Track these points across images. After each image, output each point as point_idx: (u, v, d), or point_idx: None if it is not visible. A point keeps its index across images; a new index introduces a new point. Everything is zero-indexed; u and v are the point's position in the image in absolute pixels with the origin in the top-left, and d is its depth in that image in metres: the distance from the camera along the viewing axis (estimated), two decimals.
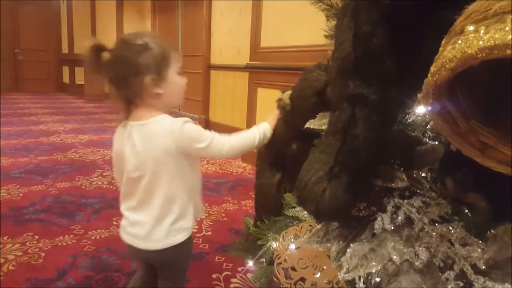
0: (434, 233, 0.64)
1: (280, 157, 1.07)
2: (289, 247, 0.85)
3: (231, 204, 2.32)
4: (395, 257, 0.64)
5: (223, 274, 1.54)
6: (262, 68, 3.11)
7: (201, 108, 4.05)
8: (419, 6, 0.67)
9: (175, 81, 0.94)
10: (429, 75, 0.53)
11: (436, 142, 0.78)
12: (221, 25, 3.97)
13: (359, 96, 0.69)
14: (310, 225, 0.83)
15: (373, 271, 0.66)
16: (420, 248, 0.63)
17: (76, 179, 2.66)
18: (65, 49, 8.61)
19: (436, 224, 0.65)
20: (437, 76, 0.52)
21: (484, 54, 0.44)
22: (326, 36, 1.17)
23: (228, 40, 3.85)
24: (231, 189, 2.55)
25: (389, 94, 0.70)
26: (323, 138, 0.75)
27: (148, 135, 0.92)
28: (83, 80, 7.71)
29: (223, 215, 2.14)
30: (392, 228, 0.70)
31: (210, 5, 4.09)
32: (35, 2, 8.29)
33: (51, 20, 8.47)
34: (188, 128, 0.93)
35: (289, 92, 0.95)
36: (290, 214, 0.95)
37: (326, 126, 0.86)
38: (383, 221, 0.72)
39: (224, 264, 1.62)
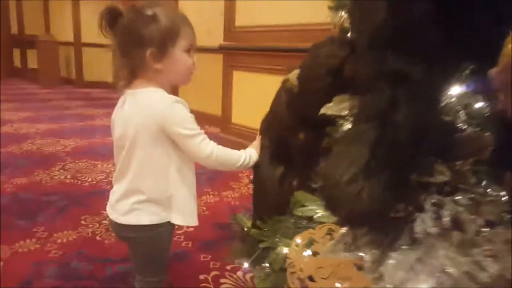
0: (496, 239, 0.53)
1: (282, 148, 0.93)
2: (305, 254, 0.73)
3: (211, 196, 2.17)
4: (451, 269, 0.53)
5: (211, 275, 1.40)
6: (238, 49, 2.92)
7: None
8: None
9: (180, 59, 0.90)
10: (506, 48, 0.41)
11: (478, 129, 0.67)
12: (187, 3, 3.71)
13: (400, 73, 0.56)
14: (330, 229, 0.71)
15: None
16: (484, 258, 0.52)
17: (35, 173, 2.40)
18: (14, 30, 7.91)
19: (495, 227, 0.55)
20: None
21: None
22: (330, 8, 1.04)
23: (197, 19, 3.59)
24: (210, 179, 2.40)
25: (434, 71, 0.58)
26: (353, 127, 0.62)
27: (136, 103, 0.91)
28: (36, 63, 7.12)
29: (204, 208, 1.99)
30: (438, 231, 0.59)
31: None
32: None
33: None
34: (178, 108, 0.90)
35: (296, 72, 0.81)
36: (299, 214, 0.83)
37: (346, 111, 0.73)
38: (424, 223, 0.61)
39: (211, 263, 1.49)
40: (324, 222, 0.79)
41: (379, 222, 0.59)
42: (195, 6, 3.63)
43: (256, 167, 0.99)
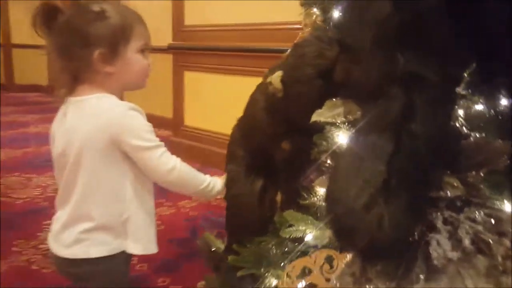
0: None
1: (261, 159, 0.82)
2: (299, 287, 0.63)
3: (166, 207, 2.00)
4: None
5: None
6: (188, 48, 2.77)
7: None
8: None
9: (134, 60, 0.81)
10: None
11: (483, 135, 0.62)
12: (131, 2, 3.47)
13: (415, 76, 0.48)
14: (330, 256, 0.61)
15: None
16: None
17: None
18: None
19: None
20: None
21: None
22: (302, 4, 0.96)
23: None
24: (163, 189, 2.22)
25: (450, 71, 0.51)
26: (359, 138, 0.53)
27: (82, 111, 0.79)
28: None
29: (159, 222, 1.82)
30: (459, 256, 0.52)
31: None
32: None
33: None
34: (133, 116, 0.79)
35: (279, 74, 0.70)
36: (286, 235, 0.73)
37: (341, 118, 0.64)
38: (441, 246, 0.53)
39: (171, 287, 1.33)
40: (315, 246, 0.69)
41: (400, 251, 0.50)
42: (139, 5, 3.41)
43: (230, 180, 0.88)
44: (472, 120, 0.61)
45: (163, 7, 3.05)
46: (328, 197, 0.52)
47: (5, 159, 2.70)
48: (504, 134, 0.58)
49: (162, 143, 0.82)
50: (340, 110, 0.63)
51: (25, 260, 1.44)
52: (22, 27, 5.92)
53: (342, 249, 0.59)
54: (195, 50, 2.72)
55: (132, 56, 0.81)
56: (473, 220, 0.54)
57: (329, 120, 0.64)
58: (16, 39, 6.22)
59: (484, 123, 0.61)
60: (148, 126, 0.80)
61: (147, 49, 0.84)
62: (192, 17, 2.76)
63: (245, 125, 0.85)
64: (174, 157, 0.83)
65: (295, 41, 0.99)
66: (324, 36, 0.68)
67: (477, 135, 0.60)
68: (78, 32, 0.77)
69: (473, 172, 0.56)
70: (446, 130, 0.53)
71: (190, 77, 2.83)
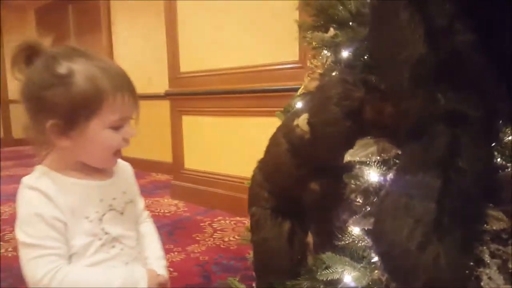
0: None
1: (287, 200, 0.82)
2: None
3: (175, 253, 1.93)
4: None
5: None
6: (185, 94, 2.82)
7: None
8: None
9: (98, 137, 0.65)
10: None
11: None
12: (124, 53, 3.58)
13: (459, 113, 0.49)
14: None
15: None
16: None
17: None
18: None
19: None
20: None
21: None
22: (314, 48, 0.99)
23: (135, 68, 3.47)
24: (170, 234, 2.16)
25: (489, 105, 0.52)
26: (404, 178, 0.53)
27: None
28: None
29: (171, 269, 1.75)
30: None
31: (109, 32, 3.67)
32: None
33: None
34: (26, 196, 0.65)
35: (305, 116, 0.71)
36: (324, 278, 0.71)
37: (376, 157, 0.65)
38: (494, 281, 0.52)
39: None
40: (354, 287, 0.68)
41: None
42: (133, 56, 3.50)
43: (255, 223, 0.86)
44: (506, 151, 0.63)
45: (158, 56, 3.14)
46: (377, 237, 0.51)
47: (13, 213, 2.61)
48: None
49: (48, 246, 0.62)
50: (373, 149, 0.64)
51: None
52: (17, 83, 6.07)
53: None
54: (191, 95, 2.77)
55: (96, 132, 0.64)
56: None
57: (363, 159, 0.64)
58: (12, 94, 6.35)
59: None
60: (36, 216, 0.62)
61: (124, 122, 0.67)
62: (187, 64, 2.84)
63: (268, 168, 0.85)
64: (57, 265, 0.62)
65: (304, 81, 1.03)
66: (349, 77, 0.70)
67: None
68: (33, 94, 0.64)
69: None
70: (491, 164, 0.53)
71: (188, 121, 2.86)
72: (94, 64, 0.64)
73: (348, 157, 0.65)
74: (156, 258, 0.78)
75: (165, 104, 3.07)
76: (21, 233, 0.63)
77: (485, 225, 0.56)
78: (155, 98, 3.25)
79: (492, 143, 0.53)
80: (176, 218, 2.46)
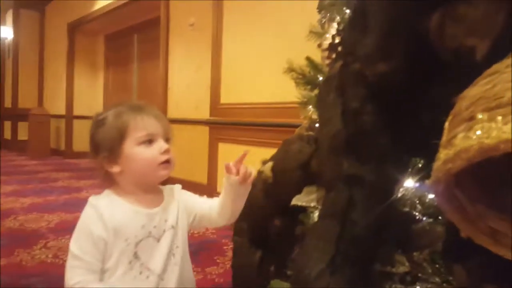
0: None
1: (260, 233, 0.98)
2: None
3: (195, 273, 2.12)
4: None
5: None
6: (223, 123, 3.08)
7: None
8: (408, 82, 0.66)
9: (134, 154, 0.77)
10: (439, 162, 0.49)
11: (431, 220, 0.74)
12: (178, 80, 3.96)
13: (355, 176, 0.64)
14: None
15: None
16: None
17: (15, 253, 2.33)
18: (8, 103, 8.11)
19: None
20: (450, 165, 0.48)
21: (507, 147, 0.41)
22: (299, 103, 1.17)
23: (186, 95, 3.83)
24: (193, 254, 2.36)
25: (385, 172, 0.66)
26: (319, 222, 0.68)
27: None
28: (26, 135, 7.20)
29: None
30: None
31: (166, 60, 4.09)
32: None
33: None
34: (84, 212, 0.77)
35: (270, 164, 0.89)
36: None
37: (314, 203, 0.80)
38: None
39: None
40: None
41: None
42: (185, 84, 3.87)
43: (235, 250, 1.03)
44: (425, 207, 0.75)
45: (206, 86, 3.46)
46: (294, 265, 0.66)
47: (59, 222, 3.01)
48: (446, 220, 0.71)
49: (85, 259, 0.73)
50: (314, 196, 0.79)
51: None
52: (82, 99, 6.57)
53: None
54: (228, 125, 3.03)
55: (132, 151, 0.76)
56: None
57: (305, 204, 0.79)
58: (77, 110, 6.84)
59: (434, 209, 0.74)
60: (87, 232, 0.74)
61: (155, 138, 0.78)
62: (227, 96, 3.11)
63: (247, 203, 1.02)
64: (84, 279, 0.73)
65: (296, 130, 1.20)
66: (305, 136, 0.87)
67: (427, 220, 0.74)
68: (90, 141, 0.81)
69: (419, 252, 0.69)
70: (390, 215, 0.67)
71: (224, 148, 3.11)
72: (119, 107, 0.80)
73: (294, 201, 0.80)
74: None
75: (207, 130, 3.36)
76: (73, 242, 0.75)
77: (392, 267, 0.69)
78: (200, 123, 3.53)
79: (385, 202, 0.66)
80: (203, 239, 2.65)
